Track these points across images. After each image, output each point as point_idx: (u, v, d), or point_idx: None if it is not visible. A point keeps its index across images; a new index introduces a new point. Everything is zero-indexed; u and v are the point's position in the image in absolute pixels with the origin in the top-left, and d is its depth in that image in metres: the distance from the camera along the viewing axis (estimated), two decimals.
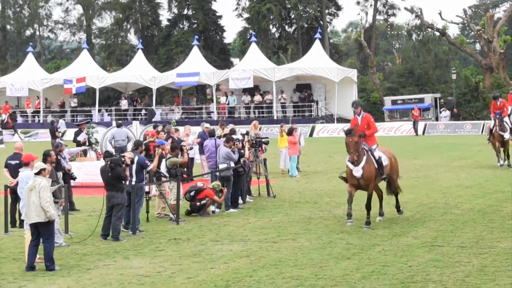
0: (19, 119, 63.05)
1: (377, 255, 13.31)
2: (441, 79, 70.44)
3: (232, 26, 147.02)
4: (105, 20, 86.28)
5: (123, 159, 15.85)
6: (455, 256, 13.02)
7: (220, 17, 77.94)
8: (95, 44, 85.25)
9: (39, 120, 61.67)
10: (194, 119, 56.54)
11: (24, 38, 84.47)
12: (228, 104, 58.50)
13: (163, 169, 18.44)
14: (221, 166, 19.70)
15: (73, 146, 25.85)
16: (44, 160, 15.45)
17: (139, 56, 63.83)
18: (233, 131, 22.31)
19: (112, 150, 22.97)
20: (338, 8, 77.53)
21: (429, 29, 70.54)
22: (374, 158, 16.30)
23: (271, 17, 72.68)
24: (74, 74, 59.40)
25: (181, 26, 78.21)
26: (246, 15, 75.11)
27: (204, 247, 14.57)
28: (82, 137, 26.54)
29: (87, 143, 26.49)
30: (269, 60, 61.14)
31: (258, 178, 22.21)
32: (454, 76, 62.21)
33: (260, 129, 36.13)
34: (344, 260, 13.03)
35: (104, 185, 15.95)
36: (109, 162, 15.64)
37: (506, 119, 27.48)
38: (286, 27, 77.76)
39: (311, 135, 51.55)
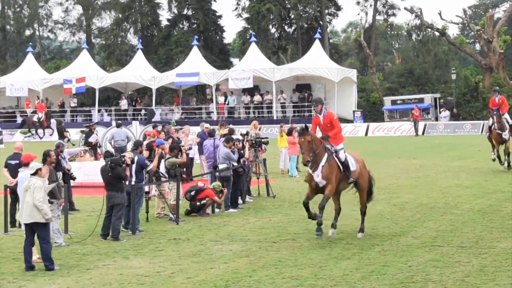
0: (19, 119, 63.08)
1: (376, 255, 13.32)
2: (440, 79, 70.41)
3: (232, 26, 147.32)
4: (105, 20, 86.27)
5: (123, 159, 15.86)
6: (455, 256, 13.02)
7: (220, 17, 77.92)
8: (94, 44, 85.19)
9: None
10: (193, 119, 56.51)
11: (24, 38, 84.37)
12: (228, 104, 58.50)
13: (162, 169, 18.44)
14: (221, 166, 19.70)
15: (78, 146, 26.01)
16: (44, 160, 15.47)
17: (139, 56, 63.80)
18: (231, 131, 22.32)
19: (112, 150, 22.98)
20: (338, 8, 77.49)
21: (429, 29, 70.50)
22: (339, 159, 14.98)
23: (271, 17, 72.62)
24: (74, 74, 59.36)
25: (181, 26, 78.16)
26: (245, 15, 75.09)
27: (203, 247, 14.57)
28: (93, 138, 26.58)
29: (98, 144, 26.53)
30: (268, 60, 61.11)
31: (258, 178, 22.22)
32: (453, 76, 62.19)
33: (259, 129, 36.11)
34: (343, 260, 13.04)
35: (104, 185, 15.96)
36: (109, 162, 15.66)
37: (506, 116, 26.30)
38: (286, 27, 77.72)
39: None
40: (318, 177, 14.69)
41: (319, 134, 15.46)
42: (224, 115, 57.00)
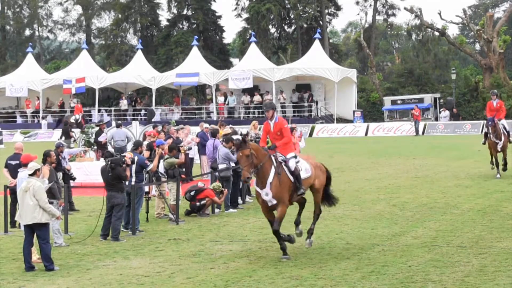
0: (19, 120, 63.10)
1: (376, 255, 13.31)
2: (440, 79, 70.44)
3: (232, 26, 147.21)
4: (105, 20, 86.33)
5: (123, 159, 15.86)
6: (455, 256, 13.02)
7: (219, 17, 77.94)
8: (94, 44, 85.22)
9: (38, 121, 61.62)
10: (193, 119, 56.52)
11: (23, 38, 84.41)
12: (227, 104, 58.51)
13: (161, 169, 18.44)
14: (221, 167, 19.70)
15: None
16: (45, 160, 15.47)
17: (139, 56, 63.82)
18: (235, 133, 22.32)
19: (112, 150, 22.98)
20: (338, 8, 77.48)
21: (429, 29, 70.52)
22: (289, 169, 13.25)
23: (271, 17, 72.63)
24: (74, 74, 59.38)
25: (181, 26, 78.17)
26: (245, 15, 75.11)
27: (203, 247, 14.57)
28: (103, 138, 26.58)
29: (107, 144, 26.56)
30: (268, 60, 61.15)
31: None
32: (453, 76, 62.20)
33: (259, 129, 36.06)
34: (343, 260, 13.04)
35: (104, 185, 15.96)
36: (109, 162, 15.66)
37: (503, 122, 25.03)
38: (286, 27, 77.75)
39: (310, 135, 51.57)
40: (267, 195, 13.04)
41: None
42: (224, 115, 57.00)
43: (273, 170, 13.05)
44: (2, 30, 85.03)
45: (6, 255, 14.26)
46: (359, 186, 23.26)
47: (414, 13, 70.06)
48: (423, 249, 13.72)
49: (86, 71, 59.71)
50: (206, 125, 26.85)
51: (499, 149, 24.69)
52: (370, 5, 75.89)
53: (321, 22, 74.36)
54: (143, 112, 59.27)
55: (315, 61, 56.60)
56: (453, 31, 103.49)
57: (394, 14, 78.39)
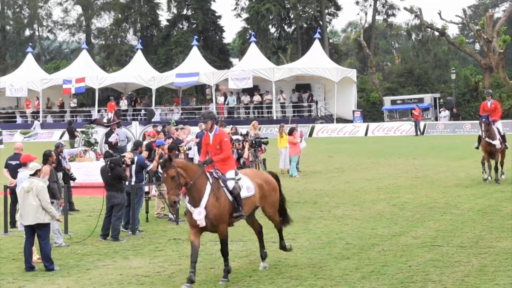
0: (19, 120, 63.08)
1: (376, 255, 13.31)
2: (440, 79, 70.43)
3: (232, 26, 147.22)
4: (104, 21, 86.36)
5: (123, 159, 15.86)
6: (455, 256, 13.02)
7: (219, 17, 77.97)
8: (94, 45, 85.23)
9: (38, 121, 61.63)
10: (193, 119, 56.50)
11: (23, 39, 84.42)
12: (227, 104, 58.50)
13: (160, 169, 18.44)
14: None
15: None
16: (45, 160, 15.47)
17: (139, 56, 63.82)
18: (235, 133, 22.33)
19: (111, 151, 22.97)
20: (338, 8, 77.50)
21: (429, 29, 70.53)
22: (227, 188, 11.94)
23: (270, 17, 72.64)
24: (74, 74, 59.40)
25: (181, 26, 78.18)
26: (245, 15, 75.12)
27: (203, 247, 14.54)
28: (113, 138, 26.59)
29: (118, 144, 26.52)
30: (268, 60, 61.15)
31: None
32: (453, 76, 62.20)
33: (259, 129, 36.11)
34: (343, 260, 13.03)
35: (104, 185, 15.96)
36: (109, 162, 15.66)
37: (498, 125, 23.32)
38: (286, 27, 77.75)
39: (310, 135, 51.55)
40: (199, 215, 11.53)
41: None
42: (223, 115, 57.00)
43: (208, 187, 11.68)
44: (2, 30, 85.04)
45: (6, 255, 14.26)
46: (359, 186, 23.26)
47: (414, 13, 70.10)
48: (423, 249, 13.71)
49: (86, 71, 59.73)
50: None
51: (492, 151, 22.84)
52: (370, 5, 75.99)
53: (321, 22, 74.37)
54: (143, 112, 59.26)
55: (315, 61, 56.59)
56: (453, 31, 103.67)
57: (394, 14, 78.49)
